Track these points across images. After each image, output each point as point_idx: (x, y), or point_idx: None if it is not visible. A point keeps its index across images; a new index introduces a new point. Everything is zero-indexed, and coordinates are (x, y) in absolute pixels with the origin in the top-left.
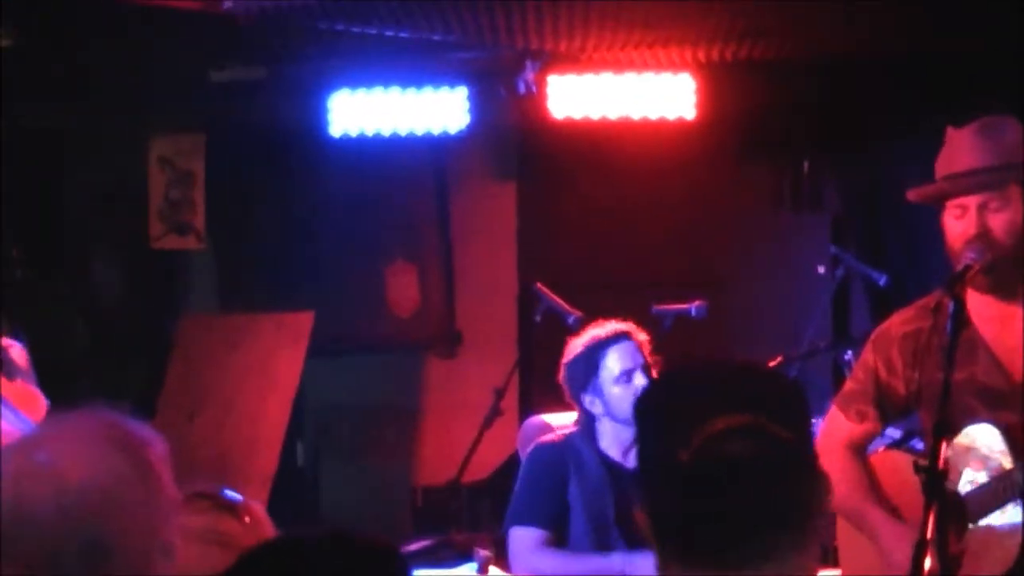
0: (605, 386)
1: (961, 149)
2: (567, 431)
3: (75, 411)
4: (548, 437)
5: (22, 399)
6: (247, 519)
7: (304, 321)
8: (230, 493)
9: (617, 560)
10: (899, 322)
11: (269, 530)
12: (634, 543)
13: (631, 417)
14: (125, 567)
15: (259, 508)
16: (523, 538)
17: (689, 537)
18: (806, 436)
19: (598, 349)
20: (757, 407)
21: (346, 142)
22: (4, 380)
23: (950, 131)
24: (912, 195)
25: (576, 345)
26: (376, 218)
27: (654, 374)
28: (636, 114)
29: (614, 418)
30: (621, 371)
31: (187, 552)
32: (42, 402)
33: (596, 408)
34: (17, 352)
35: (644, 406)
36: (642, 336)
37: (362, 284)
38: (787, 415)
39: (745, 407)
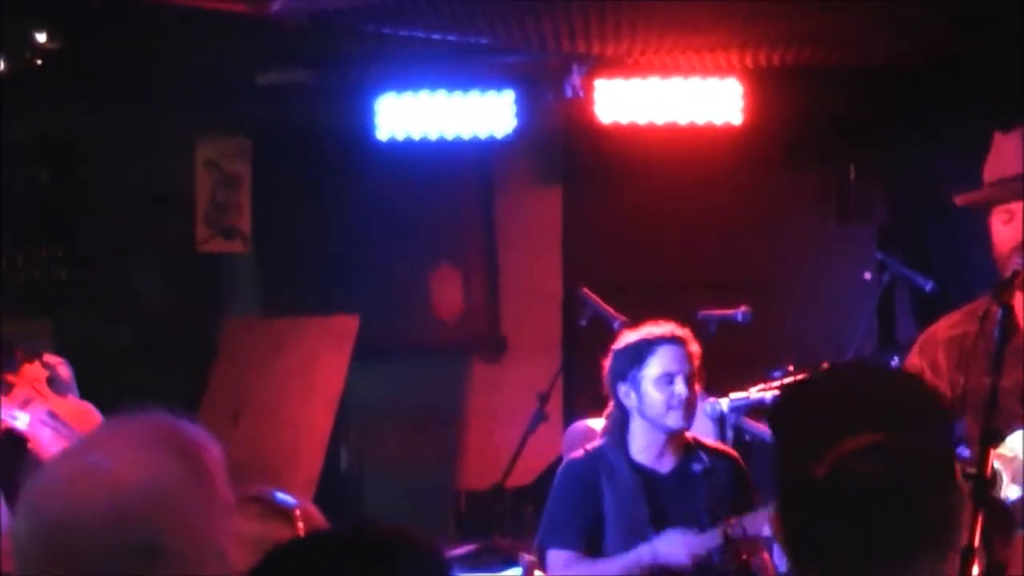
0: (644, 382)
1: (1008, 154)
2: (597, 443)
3: (130, 414)
4: (577, 453)
5: (76, 415)
6: (300, 525)
7: (349, 324)
8: (283, 497)
9: (646, 551)
10: (945, 326)
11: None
12: None
13: (659, 419)
14: (179, 571)
15: (314, 510)
16: (560, 560)
17: (821, 551)
18: (943, 452)
19: (650, 344)
20: (892, 424)
21: (392, 146)
22: (55, 396)
23: (997, 136)
24: (959, 200)
25: (629, 335)
26: (421, 222)
27: (698, 387)
28: (683, 119)
29: (644, 416)
30: (664, 372)
31: (236, 557)
32: (96, 416)
33: (630, 401)
34: (64, 369)
35: (780, 416)
36: (695, 347)
37: (407, 288)
38: (924, 432)
39: (880, 425)
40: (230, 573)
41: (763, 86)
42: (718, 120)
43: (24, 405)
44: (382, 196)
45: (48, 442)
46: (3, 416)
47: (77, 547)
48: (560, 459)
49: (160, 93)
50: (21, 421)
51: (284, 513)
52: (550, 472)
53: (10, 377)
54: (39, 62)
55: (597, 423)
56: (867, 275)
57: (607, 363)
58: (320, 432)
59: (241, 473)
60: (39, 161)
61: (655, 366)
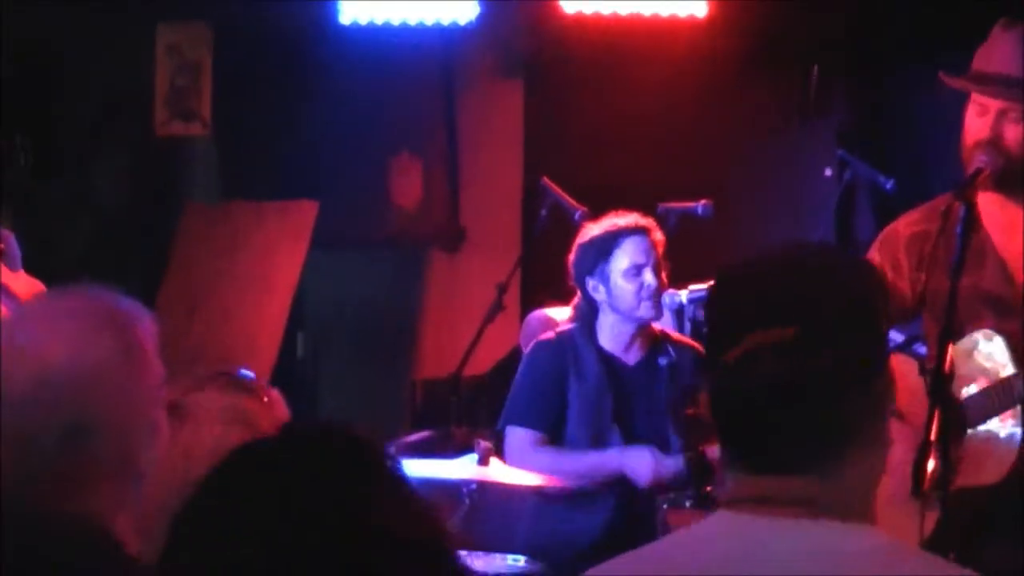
0: (612, 275)
1: (1000, 51)
2: (566, 327)
3: (62, 290)
4: (547, 335)
5: (29, 292)
6: (265, 399)
7: (307, 210)
8: (246, 373)
9: (613, 455)
10: (906, 223)
11: (284, 411)
12: (631, 440)
13: (631, 311)
14: (109, 446)
15: (275, 391)
16: (520, 438)
17: (728, 437)
18: (860, 353)
19: (615, 236)
20: (805, 320)
21: (354, 31)
22: (8, 271)
23: (999, 26)
24: (943, 77)
25: (592, 228)
26: (382, 109)
27: (664, 276)
28: (647, 10)
29: (615, 308)
30: (631, 264)
31: (210, 431)
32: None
33: (599, 294)
34: (15, 243)
35: (709, 301)
36: (659, 236)
37: (366, 177)
38: (840, 331)
39: (791, 320)
40: (199, 446)
41: None
42: (682, 12)
43: None
44: (343, 82)
45: None
46: None
47: (5, 424)
48: (517, 349)
49: None
50: None
51: (250, 388)
52: (507, 362)
53: None
54: None
55: (555, 313)
56: (828, 172)
57: (572, 257)
58: (277, 319)
59: (198, 358)
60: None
61: (622, 258)
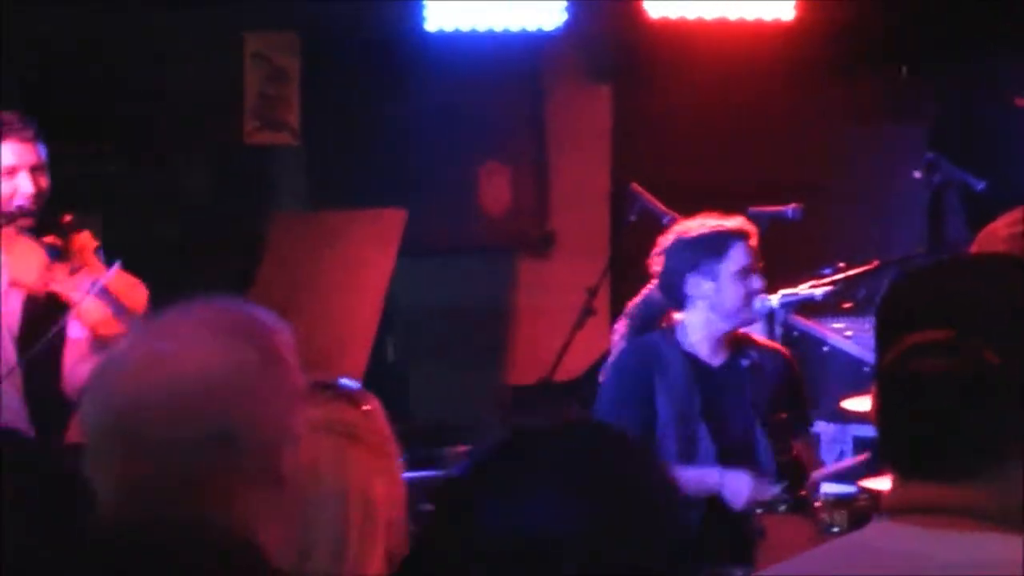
0: (723, 275)
1: None
2: (650, 334)
3: (198, 301)
4: (627, 345)
5: (125, 288)
6: (366, 408)
7: (396, 218)
8: (346, 382)
9: (713, 475)
10: (1005, 224)
11: (383, 419)
12: (720, 438)
13: (736, 312)
14: (253, 457)
15: (374, 397)
16: None
17: (884, 442)
18: None
19: (728, 237)
20: (966, 324)
21: (441, 38)
22: (103, 267)
23: None
24: (1022, 102)
25: (693, 226)
26: (470, 117)
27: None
28: (733, 15)
29: (717, 307)
30: (743, 266)
31: (319, 443)
32: (143, 291)
33: (700, 290)
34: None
35: (878, 306)
36: (754, 242)
37: (455, 184)
38: (1005, 336)
39: (951, 322)
40: (311, 460)
41: None
42: (768, 16)
43: (73, 273)
44: (431, 89)
45: (92, 312)
46: (57, 283)
47: (144, 436)
48: (608, 354)
49: None
50: (67, 287)
51: (351, 398)
52: (598, 366)
53: (59, 243)
54: None
55: None
56: (917, 174)
57: (669, 251)
58: (367, 325)
59: None
60: (88, 56)
61: (735, 260)
